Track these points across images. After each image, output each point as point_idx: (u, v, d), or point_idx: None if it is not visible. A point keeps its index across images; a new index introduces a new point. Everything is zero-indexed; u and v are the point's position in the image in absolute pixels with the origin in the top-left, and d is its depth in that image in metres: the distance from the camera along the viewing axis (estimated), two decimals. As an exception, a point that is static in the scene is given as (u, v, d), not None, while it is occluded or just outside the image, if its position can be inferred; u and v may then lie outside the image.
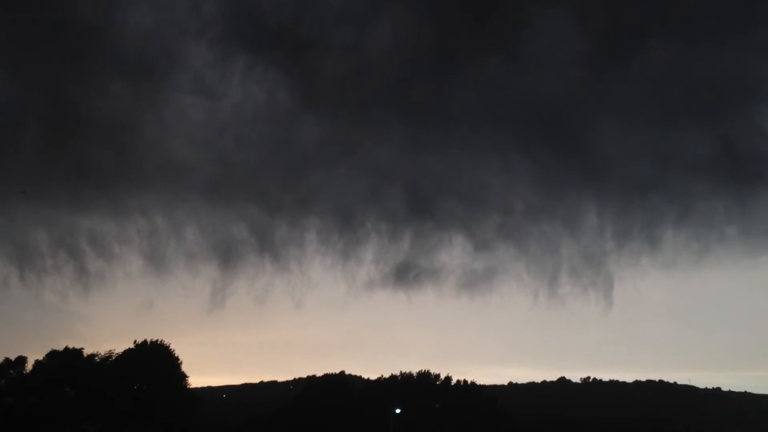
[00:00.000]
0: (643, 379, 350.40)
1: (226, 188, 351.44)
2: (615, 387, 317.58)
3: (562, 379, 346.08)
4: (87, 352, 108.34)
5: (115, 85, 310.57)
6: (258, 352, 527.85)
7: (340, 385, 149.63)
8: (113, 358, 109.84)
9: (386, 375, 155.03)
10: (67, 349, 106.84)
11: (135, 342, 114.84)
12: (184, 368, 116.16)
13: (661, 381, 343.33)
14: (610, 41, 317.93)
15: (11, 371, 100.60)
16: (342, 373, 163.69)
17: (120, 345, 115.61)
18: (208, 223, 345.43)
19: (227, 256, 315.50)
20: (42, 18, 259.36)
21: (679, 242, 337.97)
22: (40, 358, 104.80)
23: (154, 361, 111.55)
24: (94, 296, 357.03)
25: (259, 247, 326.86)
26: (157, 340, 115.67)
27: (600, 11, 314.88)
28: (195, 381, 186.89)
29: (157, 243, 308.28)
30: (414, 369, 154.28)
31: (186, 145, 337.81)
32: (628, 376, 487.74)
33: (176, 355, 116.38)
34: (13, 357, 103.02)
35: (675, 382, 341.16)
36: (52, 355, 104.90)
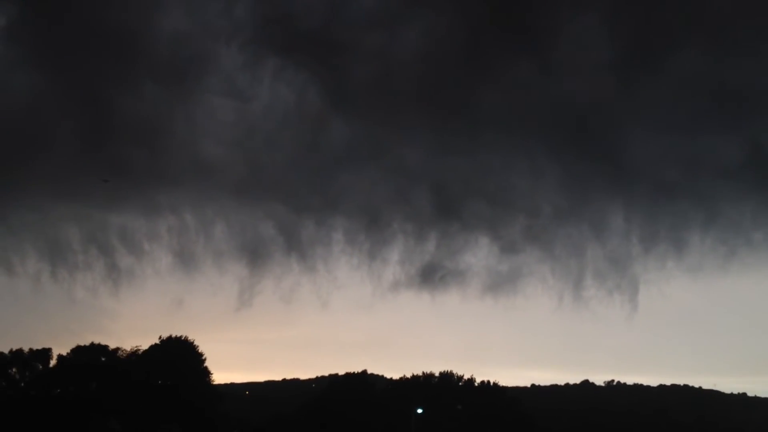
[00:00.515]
0: (668, 383, 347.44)
1: (255, 188, 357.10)
2: (639, 391, 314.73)
3: (586, 382, 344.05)
4: (113, 347, 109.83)
5: (148, 86, 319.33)
6: (282, 350, 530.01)
7: (362, 383, 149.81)
8: (138, 353, 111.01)
9: (408, 375, 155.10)
10: (92, 344, 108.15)
11: (160, 338, 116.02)
12: (209, 365, 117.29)
13: (685, 385, 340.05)
14: (639, 47, 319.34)
15: (36, 363, 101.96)
16: (364, 372, 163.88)
17: (148, 341, 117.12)
18: (237, 222, 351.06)
19: (255, 255, 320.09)
20: (79, 22, 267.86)
21: (706, 246, 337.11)
22: (66, 352, 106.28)
23: (179, 357, 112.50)
24: (124, 293, 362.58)
25: (286, 246, 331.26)
26: (181, 337, 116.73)
27: (629, 17, 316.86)
28: (218, 377, 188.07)
29: (187, 241, 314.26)
30: (437, 369, 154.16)
31: (216, 145, 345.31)
32: (652, 380, 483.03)
33: (200, 351, 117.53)
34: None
35: (700, 387, 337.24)
36: (77, 350, 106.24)
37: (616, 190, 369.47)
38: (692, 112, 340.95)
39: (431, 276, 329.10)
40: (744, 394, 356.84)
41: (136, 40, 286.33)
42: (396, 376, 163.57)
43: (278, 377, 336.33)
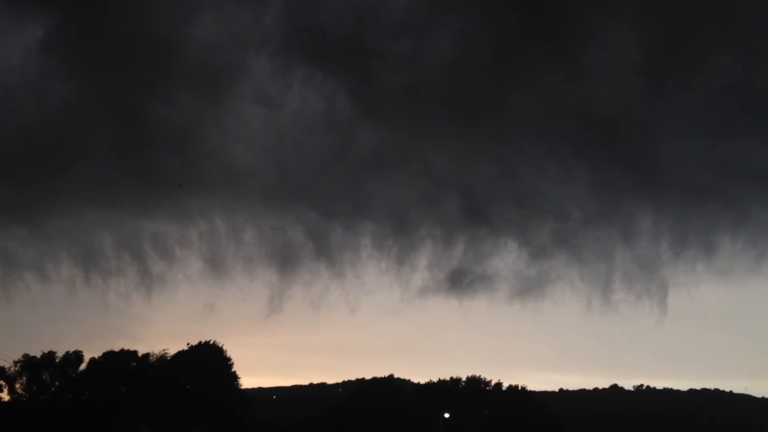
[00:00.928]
0: (698, 387, 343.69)
1: (285, 194, 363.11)
2: (669, 395, 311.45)
3: (614, 386, 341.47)
4: (143, 352, 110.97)
5: (181, 95, 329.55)
6: (309, 355, 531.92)
7: (389, 388, 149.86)
8: (167, 358, 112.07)
9: (435, 380, 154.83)
10: (122, 350, 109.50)
11: (188, 344, 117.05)
12: (238, 369, 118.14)
13: (716, 389, 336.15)
14: (668, 51, 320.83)
15: (68, 368, 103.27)
16: (391, 376, 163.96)
17: (178, 346, 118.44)
18: (267, 227, 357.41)
19: (284, 261, 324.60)
20: (113, 32, 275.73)
21: (736, 249, 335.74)
22: (97, 356, 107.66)
23: (207, 362, 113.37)
24: (156, 298, 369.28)
25: (315, 251, 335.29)
26: (210, 341, 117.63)
27: (658, 22, 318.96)
28: (246, 382, 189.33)
29: (217, 246, 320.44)
30: (464, 374, 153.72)
31: (246, 152, 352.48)
32: (682, 384, 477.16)
33: (228, 356, 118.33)
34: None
35: (731, 391, 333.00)
36: (108, 355, 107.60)
37: (645, 194, 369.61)
38: (721, 115, 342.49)
39: (459, 281, 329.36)
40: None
41: (169, 50, 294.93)
42: (423, 380, 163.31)
43: (305, 382, 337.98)
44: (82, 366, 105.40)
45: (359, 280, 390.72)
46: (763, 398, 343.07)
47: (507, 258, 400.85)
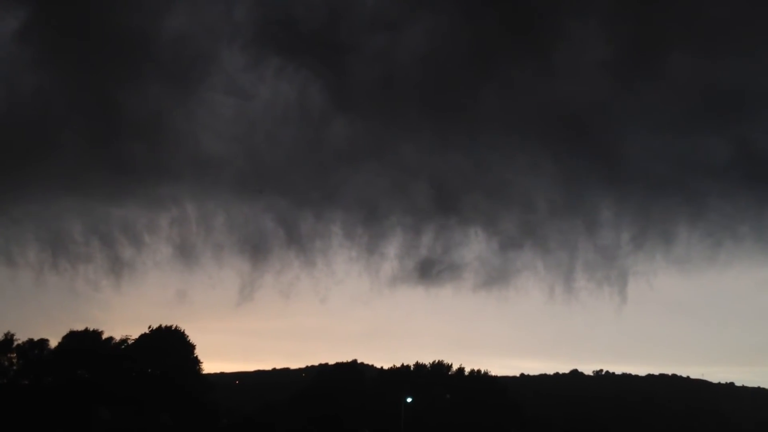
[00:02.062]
0: (656, 372, 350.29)
1: (255, 183, 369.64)
2: (627, 380, 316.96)
3: (575, 372, 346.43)
4: (107, 335, 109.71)
5: (153, 86, 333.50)
6: (274, 341, 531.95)
7: (352, 372, 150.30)
8: (128, 342, 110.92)
9: (398, 365, 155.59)
10: (87, 330, 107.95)
11: (149, 327, 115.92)
12: (203, 355, 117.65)
13: (674, 375, 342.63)
14: (635, 50, 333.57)
15: (30, 353, 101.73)
16: (354, 361, 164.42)
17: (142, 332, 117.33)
18: (238, 216, 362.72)
19: (255, 249, 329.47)
20: (87, 24, 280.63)
21: (694, 239, 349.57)
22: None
23: (169, 347, 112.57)
24: (124, 285, 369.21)
25: (286, 239, 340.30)
26: (171, 326, 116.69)
27: (627, 22, 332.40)
28: (208, 367, 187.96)
29: (187, 233, 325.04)
30: (428, 360, 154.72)
31: (217, 142, 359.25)
32: (641, 370, 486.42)
33: (190, 341, 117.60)
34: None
35: (688, 377, 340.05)
36: (71, 335, 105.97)
37: (609, 187, 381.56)
38: (682, 111, 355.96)
39: (427, 269, 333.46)
40: (732, 384, 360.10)
41: (141, 40, 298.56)
42: (386, 366, 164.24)
43: (268, 367, 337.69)
44: (48, 348, 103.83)
45: (329, 269, 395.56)
46: (719, 384, 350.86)
47: (473, 247, 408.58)
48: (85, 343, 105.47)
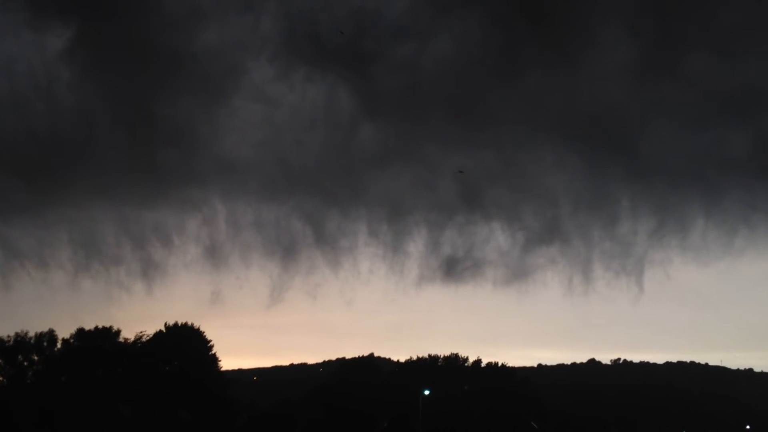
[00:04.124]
0: (674, 360, 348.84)
1: (285, 187, 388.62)
2: (645, 368, 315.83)
3: (592, 361, 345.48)
4: (123, 334, 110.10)
5: (186, 94, 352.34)
6: (297, 335, 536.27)
7: (369, 366, 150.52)
8: (143, 340, 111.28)
9: (415, 358, 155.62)
10: (96, 328, 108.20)
11: (165, 324, 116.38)
12: (226, 351, 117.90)
13: (692, 362, 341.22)
14: (656, 50, 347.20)
15: (44, 350, 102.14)
16: (371, 355, 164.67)
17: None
18: (268, 219, 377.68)
19: (285, 251, 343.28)
20: (126, 41, 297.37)
21: (710, 229, 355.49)
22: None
23: (186, 343, 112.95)
24: (157, 287, 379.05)
25: (314, 240, 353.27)
26: (187, 323, 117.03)
27: (649, 23, 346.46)
28: (226, 363, 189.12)
29: (217, 235, 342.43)
30: (444, 352, 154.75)
31: (247, 148, 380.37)
32: (659, 358, 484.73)
33: (207, 338, 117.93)
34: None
35: (706, 363, 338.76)
36: (83, 333, 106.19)
37: (629, 180, 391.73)
38: (700, 109, 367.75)
39: (448, 263, 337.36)
40: (750, 370, 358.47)
41: (176, 52, 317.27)
42: (403, 359, 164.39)
43: (286, 362, 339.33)
44: (57, 346, 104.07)
45: (354, 270, 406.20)
46: (738, 370, 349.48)
47: (494, 241, 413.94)
48: (99, 341, 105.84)
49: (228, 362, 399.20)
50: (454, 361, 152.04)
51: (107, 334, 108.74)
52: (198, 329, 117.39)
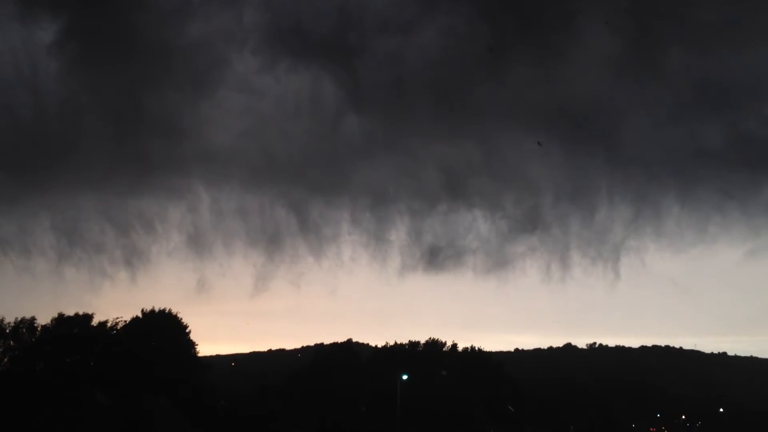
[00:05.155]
0: (649, 344, 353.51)
1: (269, 176, 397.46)
2: (621, 352, 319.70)
3: (568, 345, 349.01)
4: (97, 320, 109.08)
5: (172, 86, 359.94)
6: (268, 320, 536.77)
7: (347, 351, 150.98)
8: (118, 327, 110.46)
9: (392, 343, 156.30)
10: (76, 314, 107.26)
11: (142, 311, 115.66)
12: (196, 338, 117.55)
13: (667, 346, 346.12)
14: (635, 46, 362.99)
15: (23, 337, 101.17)
16: (349, 340, 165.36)
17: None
18: (251, 207, 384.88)
19: (269, 239, 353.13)
20: (113, 31, 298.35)
21: (685, 215, 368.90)
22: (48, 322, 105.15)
23: (162, 330, 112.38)
24: (141, 274, 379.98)
25: (298, 228, 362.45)
26: (164, 309, 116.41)
27: (629, 21, 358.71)
28: (203, 350, 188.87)
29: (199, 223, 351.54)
30: (423, 338, 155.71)
31: (232, 137, 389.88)
32: (634, 342, 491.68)
33: (185, 323, 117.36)
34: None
35: (681, 347, 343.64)
36: (60, 320, 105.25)
37: (607, 168, 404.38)
38: (676, 102, 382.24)
39: (431, 251, 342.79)
40: (724, 354, 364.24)
41: (162, 45, 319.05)
42: (381, 344, 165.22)
43: (264, 348, 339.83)
44: (37, 333, 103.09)
45: (337, 259, 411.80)
46: (712, 354, 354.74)
47: (476, 229, 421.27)
48: (74, 327, 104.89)
49: (208, 349, 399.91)
50: (433, 346, 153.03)
51: (86, 321, 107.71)
52: (175, 315, 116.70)
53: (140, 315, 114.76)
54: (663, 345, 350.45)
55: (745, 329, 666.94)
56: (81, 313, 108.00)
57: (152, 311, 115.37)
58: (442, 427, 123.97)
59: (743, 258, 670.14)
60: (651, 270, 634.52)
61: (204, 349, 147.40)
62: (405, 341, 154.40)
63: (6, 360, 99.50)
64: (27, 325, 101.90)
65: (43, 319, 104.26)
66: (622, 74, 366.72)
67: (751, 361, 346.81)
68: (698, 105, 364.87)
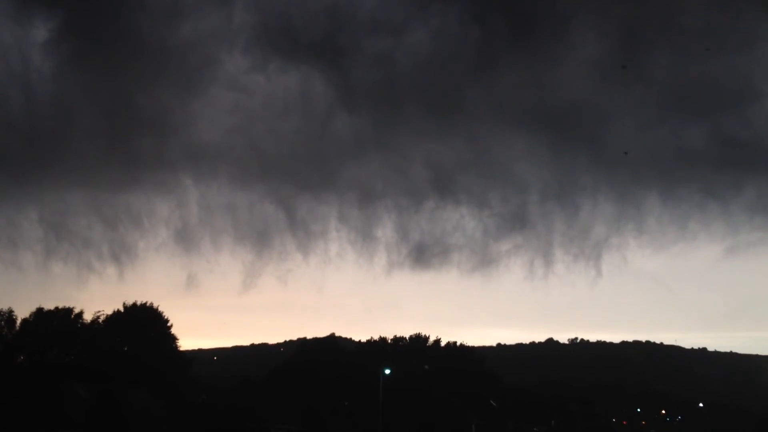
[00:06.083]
0: (630, 339, 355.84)
1: (258, 173, 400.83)
2: (602, 347, 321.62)
3: (550, 340, 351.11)
4: (77, 313, 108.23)
5: (163, 84, 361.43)
6: (255, 316, 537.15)
7: (330, 345, 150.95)
8: (100, 320, 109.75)
9: (377, 338, 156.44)
10: (57, 308, 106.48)
11: (124, 304, 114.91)
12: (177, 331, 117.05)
13: (647, 341, 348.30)
14: (621, 50, 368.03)
15: (2, 324, 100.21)
16: (332, 335, 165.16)
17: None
18: (240, 203, 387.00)
19: (258, 235, 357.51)
20: (106, 30, 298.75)
21: (666, 213, 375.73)
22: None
23: (144, 323, 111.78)
24: (128, 269, 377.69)
25: (286, 223, 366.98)
26: (145, 303, 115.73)
27: (614, 25, 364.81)
28: (186, 344, 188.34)
29: (188, 219, 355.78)
30: (407, 333, 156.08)
31: (221, 135, 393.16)
32: (615, 337, 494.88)
33: (166, 317, 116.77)
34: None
35: (661, 343, 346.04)
36: (39, 313, 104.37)
37: (591, 168, 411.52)
38: (662, 104, 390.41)
39: (418, 248, 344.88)
40: (704, 349, 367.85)
41: (155, 44, 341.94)
42: (365, 339, 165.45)
43: (246, 342, 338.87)
44: (16, 327, 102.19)
45: (325, 255, 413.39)
46: (692, 349, 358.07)
47: (463, 227, 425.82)
48: (54, 321, 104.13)
49: (191, 343, 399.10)
50: (416, 341, 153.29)
51: (67, 315, 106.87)
52: (157, 309, 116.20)
53: (122, 309, 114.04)
54: (644, 340, 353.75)
55: (724, 325, 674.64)
56: (62, 306, 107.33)
57: (134, 305, 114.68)
58: (425, 420, 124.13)
59: (723, 255, 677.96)
60: (632, 267, 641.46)
61: (187, 344, 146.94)
62: (387, 335, 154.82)
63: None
64: (5, 317, 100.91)
65: (27, 313, 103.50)
66: (606, 76, 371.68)
67: (731, 356, 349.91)
68: (681, 107, 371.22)
